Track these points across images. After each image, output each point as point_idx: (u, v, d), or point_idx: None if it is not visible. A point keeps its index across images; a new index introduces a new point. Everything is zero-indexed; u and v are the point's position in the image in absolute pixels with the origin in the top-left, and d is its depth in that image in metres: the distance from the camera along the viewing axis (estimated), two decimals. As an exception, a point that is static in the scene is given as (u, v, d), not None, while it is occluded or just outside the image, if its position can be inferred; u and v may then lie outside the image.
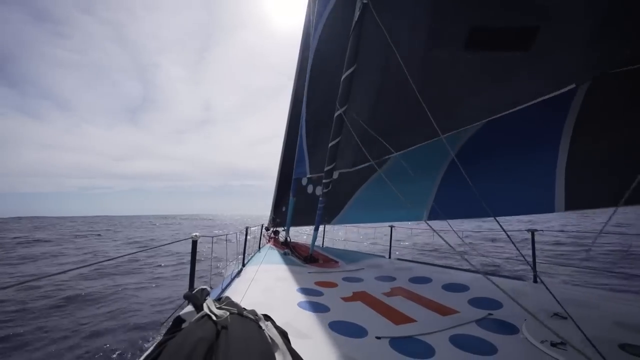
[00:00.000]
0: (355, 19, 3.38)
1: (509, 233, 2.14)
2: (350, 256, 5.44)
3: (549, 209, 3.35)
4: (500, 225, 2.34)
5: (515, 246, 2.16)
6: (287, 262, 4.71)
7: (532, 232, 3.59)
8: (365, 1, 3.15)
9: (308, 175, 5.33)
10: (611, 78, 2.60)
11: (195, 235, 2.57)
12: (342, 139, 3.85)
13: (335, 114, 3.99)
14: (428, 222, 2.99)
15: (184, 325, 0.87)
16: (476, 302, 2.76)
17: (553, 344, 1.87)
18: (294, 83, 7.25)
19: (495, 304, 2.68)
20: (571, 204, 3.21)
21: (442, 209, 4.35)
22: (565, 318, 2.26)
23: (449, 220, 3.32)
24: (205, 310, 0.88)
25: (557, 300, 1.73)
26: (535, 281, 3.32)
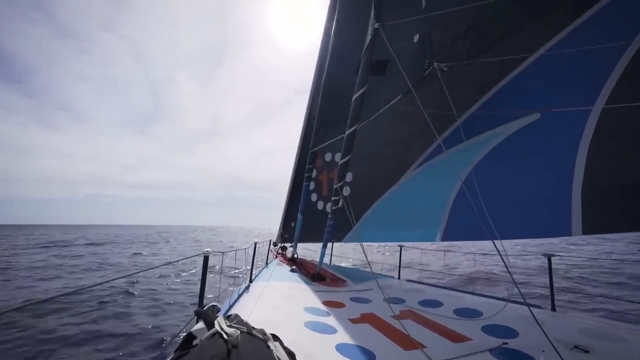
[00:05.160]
0: (367, 42, 3.53)
1: (528, 259, 2.11)
2: (358, 275, 5.33)
3: (565, 232, 3.21)
4: (496, 247, 2.36)
5: (509, 272, 2.13)
6: (295, 280, 4.66)
7: (549, 256, 3.34)
8: (376, 26, 3.31)
9: (317, 148, 6.41)
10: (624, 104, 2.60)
11: (207, 251, 2.59)
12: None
13: (347, 132, 4.06)
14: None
15: (194, 342, 0.88)
16: (490, 330, 2.64)
17: None
18: (309, 99, 7.36)
19: (511, 332, 2.56)
20: (589, 228, 3.08)
21: (455, 230, 4.25)
22: (587, 351, 2.14)
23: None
24: (217, 328, 0.90)
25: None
26: (553, 309, 3.15)
